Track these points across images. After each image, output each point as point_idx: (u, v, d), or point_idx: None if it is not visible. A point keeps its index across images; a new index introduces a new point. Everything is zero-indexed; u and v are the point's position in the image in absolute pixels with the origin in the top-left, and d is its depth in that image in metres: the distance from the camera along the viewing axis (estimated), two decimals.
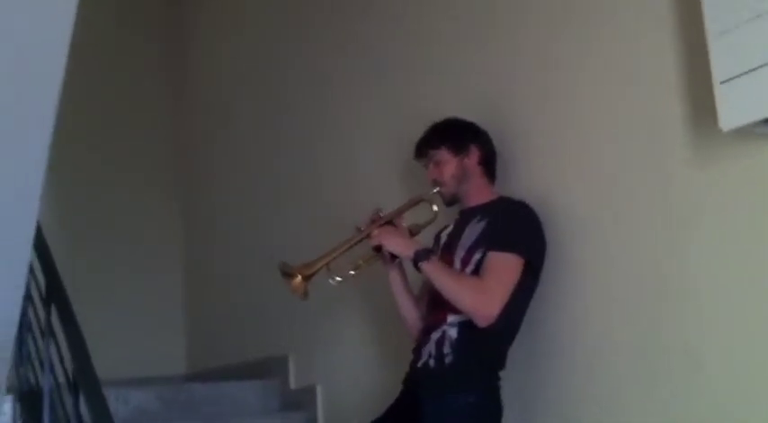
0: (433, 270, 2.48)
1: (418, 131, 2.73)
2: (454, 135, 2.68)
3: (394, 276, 2.70)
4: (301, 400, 3.85)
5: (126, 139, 5.46)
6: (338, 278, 2.62)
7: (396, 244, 2.57)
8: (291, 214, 4.17)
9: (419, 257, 2.49)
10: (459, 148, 2.65)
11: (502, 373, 2.51)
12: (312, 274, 2.58)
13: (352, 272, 2.64)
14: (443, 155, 2.65)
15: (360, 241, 2.63)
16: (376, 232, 2.58)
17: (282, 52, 4.32)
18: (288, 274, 2.57)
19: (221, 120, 5.04)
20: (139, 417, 3.67)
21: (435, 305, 2.56)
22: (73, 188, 5.14)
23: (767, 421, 2.00)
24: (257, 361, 4.25)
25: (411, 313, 2.72)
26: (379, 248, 2.60)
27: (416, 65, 3.32)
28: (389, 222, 2.63)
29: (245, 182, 4.71)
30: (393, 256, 2.62)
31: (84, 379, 2.50)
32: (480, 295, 2.41)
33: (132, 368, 4.76)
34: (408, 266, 2.62)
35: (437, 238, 2.74)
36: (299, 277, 2.56)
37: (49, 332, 2.92)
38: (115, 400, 3.55)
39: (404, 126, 2.88)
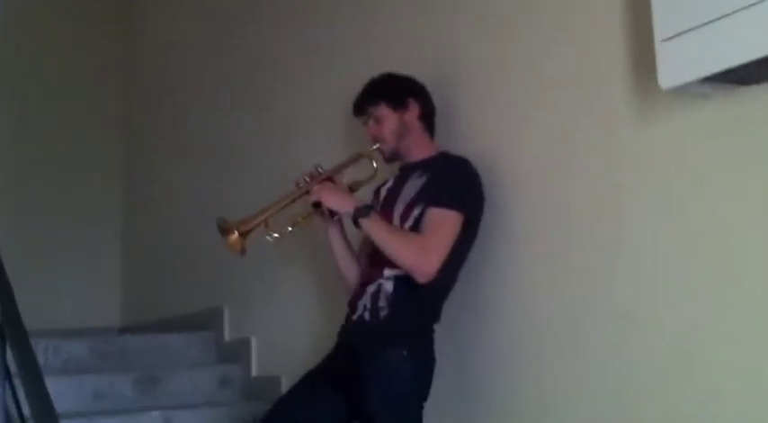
0: (373, 226, 2.46)
1: (362, 85, 2.70)
2: (392, 90, 2.65)
3: (333, 233, 2.68)
4: (236, 352, 3.84)
5: (68, 91, 5.32)
6: (275, 235, 2.58)
7: (335, 200, 2.54)
8: (232, 170, 4.12)
9: (359, 214, 2.46)
10: (397, 103, 2.63)
11: (436, 326, 2.52)
12: (249, 231, 2.54)
13: (290, 228, 2.61)
14: (382, 111, 2.63)
15: (299, 198, 2.59)
16: (315, 188, 2.54)
17: (230, 14, 4.24)
18: (225, 230, 2.53)
19: (167, 79, 4.94)
20: (71, 368, 3.62)
21: (373, 260, 2.55)
22: (8, 132, 5.01)
23: (698, 381, 2.04)
24: (192, 313, 4.23)
25: (350, 270, 2.70)
26: (318, 205, 2.56)
27: (362, 23, 3.28)
28: (329, 178, 2.60)
29: (186, 137, 4.64)
30: (332, 213, 2.59)
31: (11, 327, 2.43)
32: (420, 252, 2.40)
33: (65, 319, 4.70)
34: (348, 223, 2.60)
35: (377, 192, 2.73)
36: (236, 234, 2.52)
37: None
38: (45, 351, 3.50)
39: (347, 84, 2.85)
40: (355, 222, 2.50)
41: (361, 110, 2.67)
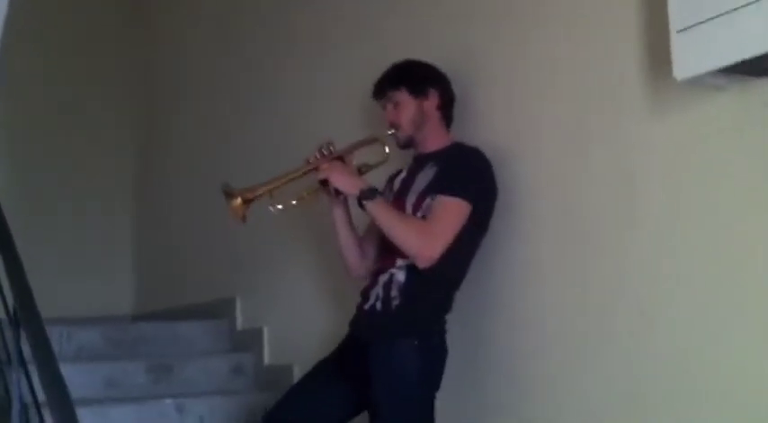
0: (378, 210, 2.46)
1: (378, 73, 2.69)
2: (415, 77, 2.64)
3: (338, 213, 2.66)
4: (248, 341, 3.85)
5: (83, 72, 5.31)
6: (279, 206, 2.57)
7: (342, 180, 2.52)
8: (247, 160, 4.11)
9: (364, 196, 2.46)
10: (418, 90, 2.62)
11: (448, 317, 2.52)
12: (253, 199, 2.52)
13: (294, 202, 2.59)
14: (402, 96, 2.62)
15: (307, 173, 2.58)
16: (324, 166, 2.53)
17: None
18: (229, 195, 2.53)
19: (181, 61, 4.92)
20: (85, 355, 3.64)
21: (385, 250, 2.56)
22: (20, 117, 5.02)
23: (711, 379, 2.04)
24: (205, 302, 4.23)
25: (351, 252, 2.70)
26: (325, 182, 2.55)
27: (381, 7, 3.26)
28: (339, 158, 2.59)
29: (200, 124, 4.63)
30: (338, 192, 2.58)
31: (26, 314, 2.45)
32: (423, 236, 2.41)
33: (79, 307, 4.71)
34: (354, 206, 2.60)
35: (390, 182, 2.73)
36: (240, 199, 2.52)
37: None
38: (59, 337, 3.52)
39: (364, 67, 2.84)
40: (360, 204, 2.49)
41: (381, 93, 2.67)
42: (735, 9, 1.76)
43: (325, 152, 2.57)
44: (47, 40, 5.12)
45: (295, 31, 3.79)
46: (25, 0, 2.31)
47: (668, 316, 2.14)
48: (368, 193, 2.46)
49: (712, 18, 1.80)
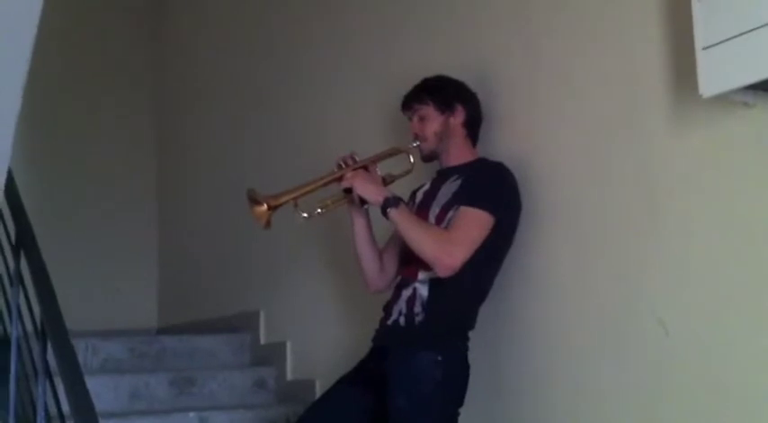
0: (401, 218, 2.47)
1: (401, 84, 2.71)
2: (443, 92, 2.66)
3: (359, 222, 2.67)
4: (271, 356, 3.86)
5: (101, 85, 5.37)
6: (304, 214, 2.58)
7: (367, 189, 2.53)
8: (269, 173, 4.13)
9: (388, 204, 2.47)
10: (445, 105, 2.63)
11: (471, 333, 2.52)
12: (278, 206, 2.54)
13: (320, 210, 2.59)
14: (429, 111, 2.64)
15: (331, 182, 2.59)
16: (349, 175, 2.55)
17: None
18: (255, 201, 2.54)
19: (200, 73, 4.97)
20: (109, 368, 3.67)
21: (407, 261, 2.57)
22: (46, 135, 5.07)
23: (733, 389, 2.03)
24: (228, 316, 4.25)
25: (370, 263, 2.70)
26: (349, 191, 2.56)
27: (402, 19, 3.28)
28: (364, 167, 2.60)
29: (222, 138, 4.67)
30: (362, 201, 2.58)
31: (52, 327, 2.48)
32: (444, 245, 2.41)
33: (103, 321, 4.74)
34: (376, 218, 2.60)
35: (413, 195, 2.73)
36: (265, 206, 2.53)
37: (17, 279, 2.90)
38: (85, 351, 3.55)
39: (387, 79, 2.84)
40: (384, 212, 2.49)
41: (409, 106, 2.69)
42: (760, 26, 1.76)
43: (349, 162, 2.59)
44: (67, 53, 5.18)
45: (312, 42, 3.81)
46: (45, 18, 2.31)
47: (689, 327, 2.13)
48: (392, 201, 2.47)
49: (738, 35, 1.80)
